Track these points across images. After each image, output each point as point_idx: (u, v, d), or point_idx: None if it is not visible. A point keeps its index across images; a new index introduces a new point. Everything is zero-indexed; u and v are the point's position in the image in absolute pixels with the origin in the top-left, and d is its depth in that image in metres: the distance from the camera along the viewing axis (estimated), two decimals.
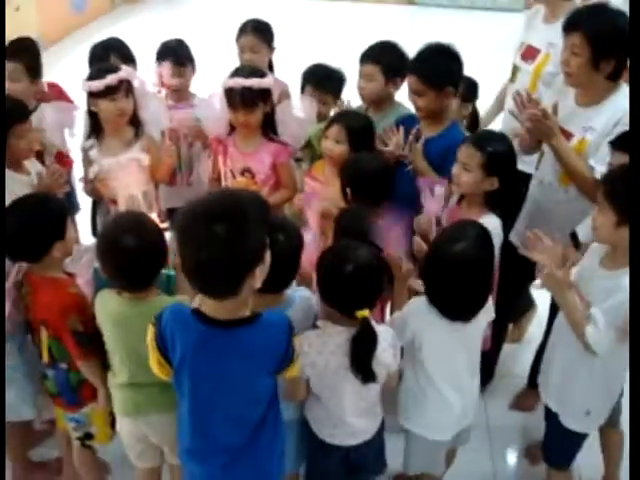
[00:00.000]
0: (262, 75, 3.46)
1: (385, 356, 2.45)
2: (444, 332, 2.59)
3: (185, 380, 2.19)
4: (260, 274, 2.02)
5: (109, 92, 3.39)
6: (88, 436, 3.02)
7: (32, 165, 3.38)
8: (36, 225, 2.67)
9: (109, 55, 3.96)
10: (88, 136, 3.61)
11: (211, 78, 3.77)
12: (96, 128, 3.55)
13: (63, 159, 4.16)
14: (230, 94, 3.43)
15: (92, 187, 3.60)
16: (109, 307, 2.61)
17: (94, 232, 4.04)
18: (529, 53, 3.69)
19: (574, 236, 3.05)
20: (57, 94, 4.13)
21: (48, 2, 9.65)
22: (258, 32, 4.12)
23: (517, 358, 4.18)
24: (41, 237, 2.68)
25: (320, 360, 2.42)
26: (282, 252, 2.33)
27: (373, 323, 2.42)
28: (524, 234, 3.30)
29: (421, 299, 2.63)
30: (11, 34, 7.59)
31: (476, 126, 4.06)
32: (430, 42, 3.37)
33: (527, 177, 3.46)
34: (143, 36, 9.99)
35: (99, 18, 11.20)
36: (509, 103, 3.63)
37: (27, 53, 3.90)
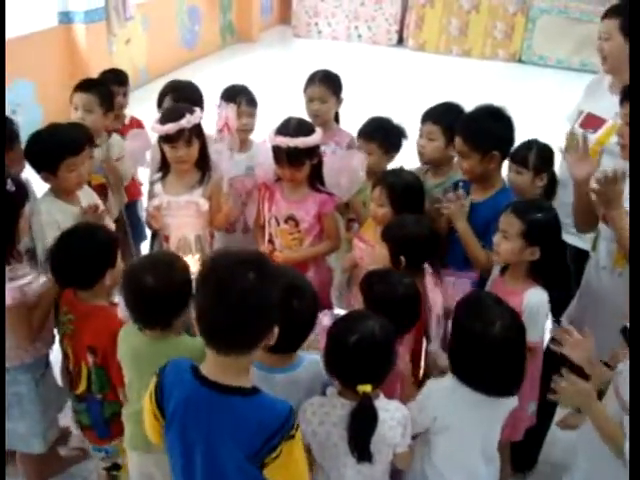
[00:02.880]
0: (309, 131, 3.40)
1: (391, 435, 2.32)
2: (467, 413, 2.45)
3: (172, 434, 2.13)
4: (276, 332, 2.00)
5: (168, 140, 3.42)
6: (115, 467, 3.03)
7: (86, 195, 3.44)
8: (90, 253, 2.74)
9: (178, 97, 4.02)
10: (158, 169, 3.67)
11: None
12: (164, 164, 3.60)
13: (133, 187, 4.29)
14: (277, 151, 3.40)
15: (150, 219, 3.64)
16: (130, 342, 2.62)
17: None
18: (591, 122, 3.52)
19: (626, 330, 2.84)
20: (137, 128, 4.25)
21: (159, 36, 10.00)
22: (327, 82, 4.09)
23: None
24: (95, 265, 2.76)
25: (321, 430, 2.32)
26: (298, 314, 2.30)
27: (381, 399, 2.31)
28: (576, 318, 3.12)
29: (446, 379, 2.50)
30: (119, 65, 7.94)
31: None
32: (481, 104, 3.29)
33: (585, 255, 3.28)
34: (250, 76, 10.42)
35: (208, 55, 11.51)
36: (563, 173, 3.50)
37: (103, 87, 4.01)
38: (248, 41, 12.59)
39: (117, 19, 8.46)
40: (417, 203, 3.31)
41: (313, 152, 3.41)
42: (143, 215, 3.84)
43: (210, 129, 3.73)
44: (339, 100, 4.13)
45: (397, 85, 10.37)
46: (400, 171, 3.42)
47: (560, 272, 3.15)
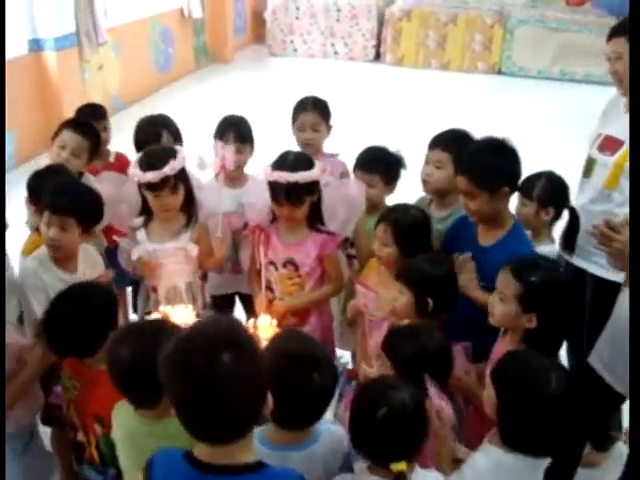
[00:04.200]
0: (309, 165, 3.14)
1: None
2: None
3: None
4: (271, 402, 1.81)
5: (151, 188, 3.15)
6: None
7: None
8: (90, 319, 2.48)
9: (159, 131, 3.72)
10: (140, 213, 3.36)
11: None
12: (146, 208, 3.31)
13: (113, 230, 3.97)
14: (274, 188, 3.13)
15: (134, 267, 3.35)
16: (122, 420, 2.35)
17: (135, 310, 3.81)
18: (609, 145, 3.30)
19: None
20: (121, 166, 3.93)
21: (131, 61, 9.70)
22: (319, 109, 3.87)
23: None
24: (95, 331, 2.49)
25: None
26: (317, 388, 2.10)
27: (417, 472, 2.04)
28: (610, 356, 2.88)
29: (490, 453, 2.21)
30: (94, 93, 7.62)
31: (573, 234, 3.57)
32: (482, 137, 3.04)
33: (617, 287, 3.03)
34: (227, 98, 10.30)
35: (182, 78, 11.27)
36: (581, 200, 3.33)
37: (94, 131, 3.74)
38: (223, 62, 12.36)
39: (89, 44, 8.17)
40: (424, 241, 3.06)
41: (313, 187, 3.14)
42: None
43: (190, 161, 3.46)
44: (329, 128, 3.88)
45: (376, 101, 10.18)
46: (406, 207, 3.17)
47: (558, 343, 2.85)
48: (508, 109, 9.80)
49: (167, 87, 10.65)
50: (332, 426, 2.27)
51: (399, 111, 9.64)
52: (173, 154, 3.16)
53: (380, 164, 3.47)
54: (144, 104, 9.58)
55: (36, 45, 7.48)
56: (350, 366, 3.26)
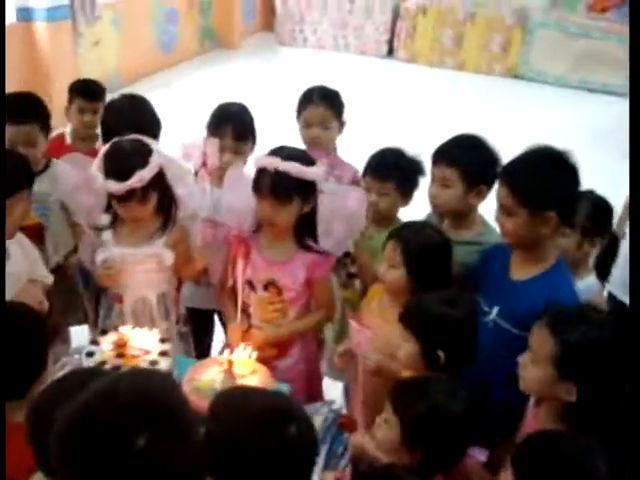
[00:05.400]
0: (308, 162, 2.66)
1: None
2: None
3: None
4: None
5: (119, 199, 2.69)
6: None
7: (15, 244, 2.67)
8: (14, 360, 1.98)
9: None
10: (105, 209, 2.87)
11: None
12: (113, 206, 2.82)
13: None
14: (259, 176, 2.65)
15: (102, 279, 2.86)
16: None
17: (95, 324, 3.28)
18: None
19: None
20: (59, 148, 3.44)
21: (132, 38, 9.21)
22: (328, 102, 3.36)
23: None
24: (22, 373, 2.02)
25: None
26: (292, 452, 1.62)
27: None
28: None
29: None
30: (88, 70, 7.12)
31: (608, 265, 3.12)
32: (538, 145, 2.51)
33: None
34: (231, 86, 9.80)
35: (186, 61, 10.76)
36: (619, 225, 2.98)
37: (41, 109, 3.23)
38: (229, 47, 11.80)
39: (84, 18, 7.67)
40: (441, 270, 2.56)
41: (306, 190, 2.65)
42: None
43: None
44: (342, 124, 3.37)
45: (387, 99, 9.67)
46: (423, 225, 2.68)
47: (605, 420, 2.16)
48: (524, 115, 9.28)
49: (169, 69, 10.14)
50: None
51: (410, 111, 9.14)
52: (142, 162, 2.67)
53: (396, 170, 2.98)
54: (143, 84, 9.01)
55: (26, 14, 7.02)
56: (344, 410, 2.77)
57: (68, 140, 3.73)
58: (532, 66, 11.66)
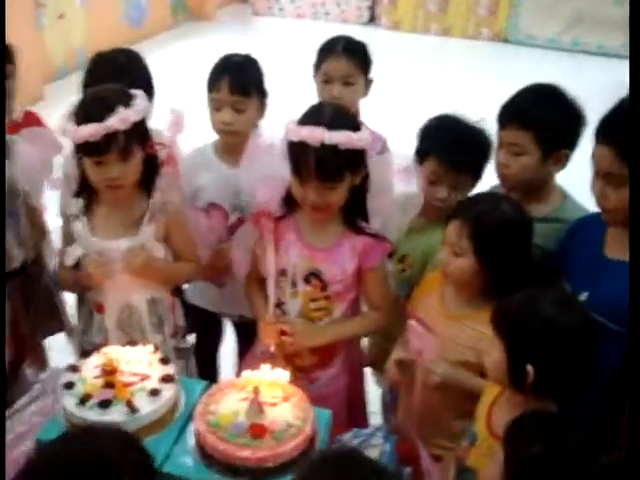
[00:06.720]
0: (354, 125, 2.11)
1: None
2: None
3: None
4: None
5: (91, 151, 2.10)
6: None
7: None
8: None
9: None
10: (76, 194, 2.31)
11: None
12: (86, 186, 2.25)
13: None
14: (300, 154, 2.09)
15: (69, 277, 2.30)
16: None
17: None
18: None
19: None
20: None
21: (99, 12, 8.58)
22: (354, 55, 2.83)
23: None
24: None
25: None
26: None
27: None
28: None
29: None
30: (52, 45, 6.50)
31: None
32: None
33: None
34: (205, 60, 9.04)
35: (158, 35, 10.14)
36: None
37: None
38: (202, 19, 11.18)
39: None
40: (521, 254, 2.01)
41: (358, 161, 2.11)
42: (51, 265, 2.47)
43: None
44: (368, 82, 2.83)
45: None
46: (496, 198, 2.13)
47: None
48: (514, 81, 8.73)
49: (139, 44, 9.37)
50: None
51: (395, 80, 8.61)
52: (125, 98, 2.12)
53: (473, 155, 2.39)
54: None
55: None
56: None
57: None
58: (521, 29, 11.16)
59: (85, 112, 2.10)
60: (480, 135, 2.41)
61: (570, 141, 2.28)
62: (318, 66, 2.84)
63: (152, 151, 2.24)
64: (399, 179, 2.24)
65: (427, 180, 2.36)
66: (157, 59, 8.85)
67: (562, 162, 2.31)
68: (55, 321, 2.86)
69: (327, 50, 2.85)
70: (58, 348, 2.92)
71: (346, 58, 2.79)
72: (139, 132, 2.17)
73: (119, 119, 2.06)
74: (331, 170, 2.05)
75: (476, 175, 2.41)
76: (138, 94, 2.18)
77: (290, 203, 2.25)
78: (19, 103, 2.92)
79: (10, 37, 6.38)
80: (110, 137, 2.07)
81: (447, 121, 2.49)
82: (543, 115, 2.25)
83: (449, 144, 2.37)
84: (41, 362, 2.89)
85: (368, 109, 2.91)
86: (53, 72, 7.46)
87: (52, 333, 2.96)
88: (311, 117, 2.11)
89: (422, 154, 2.41)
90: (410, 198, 2.27)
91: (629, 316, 1.68)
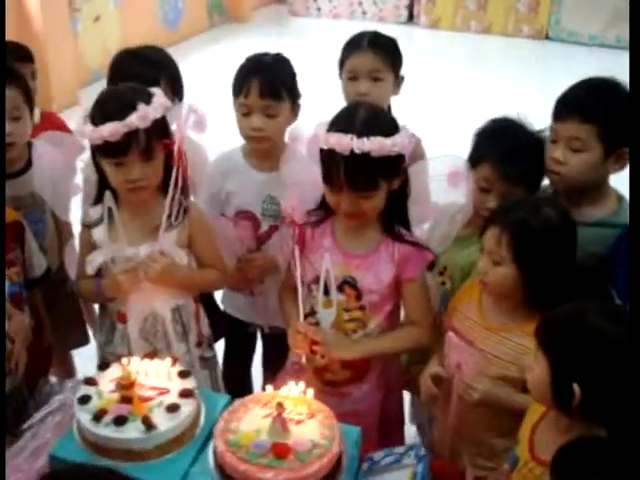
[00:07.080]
0: (390, 128, 1.98)
1: None
2: None
3: None
4: None
5: (110, 153, 2.02)
6: None
7: None
8: None
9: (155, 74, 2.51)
10: (95, 201, 2.22)
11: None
12: (104, 192, 2.16)
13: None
14: (330, 162, 1.97)
15: (91, 286, 2.22)
16: None
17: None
18: None
19: None
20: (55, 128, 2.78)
21: (134, 14, 8.58)
22: (382, 49, 2.72)
23: None
24: None
25: None
26: None
27: None
28: None
29: None
30: (87, 49, 6.52)
31: None
32: None
33: None
34: (242, 60, 8.99)
35: (194, 37, 10.16)
36: None
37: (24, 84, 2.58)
38: (239, 21, 11.15)
39: None
40: (566, 262, 1.87)
41: (395, 167, 1.98)
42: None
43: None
44: (399, 80, 2.70)
45: (409, 68, 9.01)
46: (536, 201, 1.99)
47: None
48: (556, 79, 8.62)
49: (175, 46, 9.40)
50: None
51: (434, 80, 8.53)
52: (145, 96, 2.04)
53: (527, 163, 2.24)
54: None
55: None
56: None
57: None
58: (564, 26, 10.97)
59: (103, 111, 2.02)
60: (541, 146, 2.26)
61: (629, 139, 2.10)
62: (343, 63, 2.73)
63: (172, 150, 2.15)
64: (447, 183, 2.11)
65: (477, 186, 2.22)
66: (193, 62, 8.90)
67: (622, 162, 2.16)
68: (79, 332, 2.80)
69: (352, 45, 2.74)
70: (88, 355, 2.84)
71: (373, 52, 2.68)
72: (160, 130, 2.08)
73: (139, 116, 1.98)
74: (363, 179, 1.95)
75: (531, 189, 2.26)
76: (156, 91, 2.09)
77: (326, 208, 2.14)
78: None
79: (47, 42, 6.47)
80: (130, 136, 1.99)
81: (506, 126, 2.35)
82: (610, 109, 2.11)
83: (506, 152, 2.24)
84: (67, 372, 2.82)
85: (405, 108, 2.79)
86: (88, 76, 7.45)
87: (79, 344, 2.89)
88: (343, 121, 2.01)
89: (475, 158, 2.28)
90: (460, 208, 2.14)
91: (630, 315, 1.59)
